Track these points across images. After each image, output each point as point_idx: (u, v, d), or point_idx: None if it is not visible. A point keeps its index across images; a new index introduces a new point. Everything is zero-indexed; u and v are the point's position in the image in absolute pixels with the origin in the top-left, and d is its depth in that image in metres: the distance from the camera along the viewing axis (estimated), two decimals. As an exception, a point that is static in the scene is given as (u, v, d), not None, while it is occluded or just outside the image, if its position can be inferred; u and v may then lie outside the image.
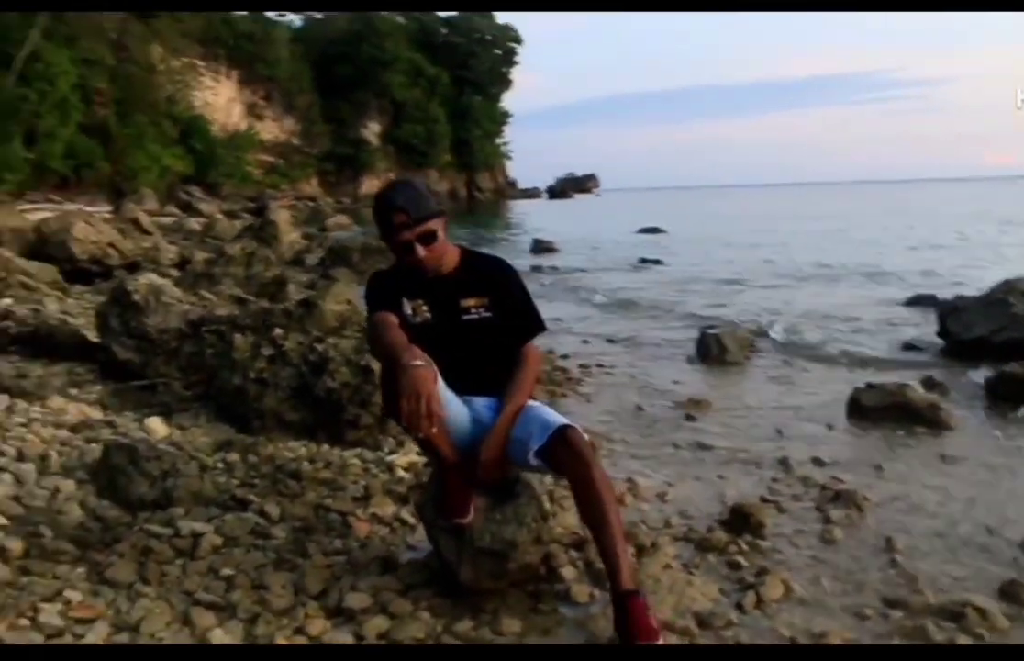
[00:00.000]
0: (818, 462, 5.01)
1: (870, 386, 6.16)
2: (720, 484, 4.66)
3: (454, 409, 3.20)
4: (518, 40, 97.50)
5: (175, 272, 12.46)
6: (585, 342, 9.52)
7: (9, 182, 37.16)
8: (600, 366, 8.04)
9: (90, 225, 12.76)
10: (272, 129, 74.23)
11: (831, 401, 6.49)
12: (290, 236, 16.73)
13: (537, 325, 3.43)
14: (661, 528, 4.00)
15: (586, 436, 3.05)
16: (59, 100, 42.06)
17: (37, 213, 18.83)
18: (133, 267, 12.33)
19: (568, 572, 3.46)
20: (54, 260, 11.86)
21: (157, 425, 5.09)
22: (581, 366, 7.92)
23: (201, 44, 65.00)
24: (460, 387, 3.27)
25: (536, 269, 18.68)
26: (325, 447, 4.93)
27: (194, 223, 28.79)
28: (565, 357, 8.40)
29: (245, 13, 72.42)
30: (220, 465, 4.51)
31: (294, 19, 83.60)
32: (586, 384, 7.24)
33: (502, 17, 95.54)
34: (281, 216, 17.15)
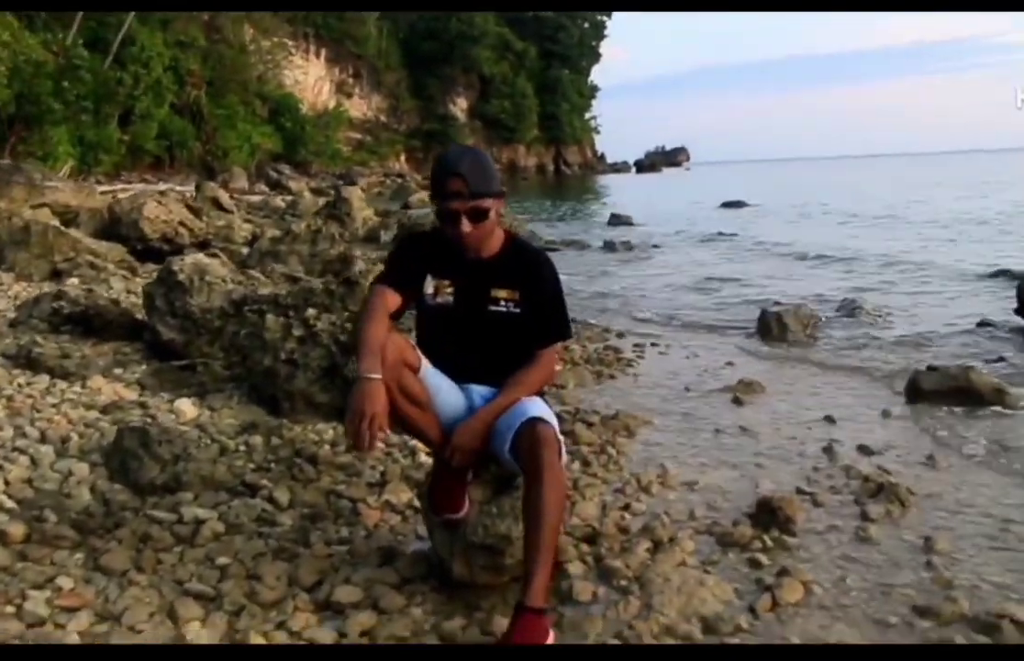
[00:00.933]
0: (865, 450, 4.72)
1: (931, 368, 5.82)
2: (756, 473, 4.40)
3: (447, 394, 3.07)
4: (607, 11, 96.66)
5: (245, 250, 12.55)
6: (644, 320, 9.27)
7: (105, 163, 38.39)
8: (655, 345, 7.81)
9: (161, 204, 12.88)
10: (360, 106, 75.07)
11: (889, 383, 6.18)
12: (364, 213, 16.73)
13: (562, 331, 3.27)
14: (684, 521, 3.79)
15: (560, 438, 2.87)
16: (153, 82, 43.27)
17: (121, 193, 19.33)
18: (204, 245, 12.43)
19: (575, 568, 3.30)
20: (126, 239, 12.03)
21: (187, 406, 5.06)
22: (635, 345, 7.70)
23: (290, 23, 65.94)
24: (465, 374, 3.14)
25: (608, 244, 18.38)
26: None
27: (280, 201, 29.15)
28: (620, 335, 8.19)
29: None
30: (242, 448, 4.46)
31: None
32: (637, 364, 7.02)
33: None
34: (354, 193, 17.15)
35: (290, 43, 65.48)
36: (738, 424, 5.27)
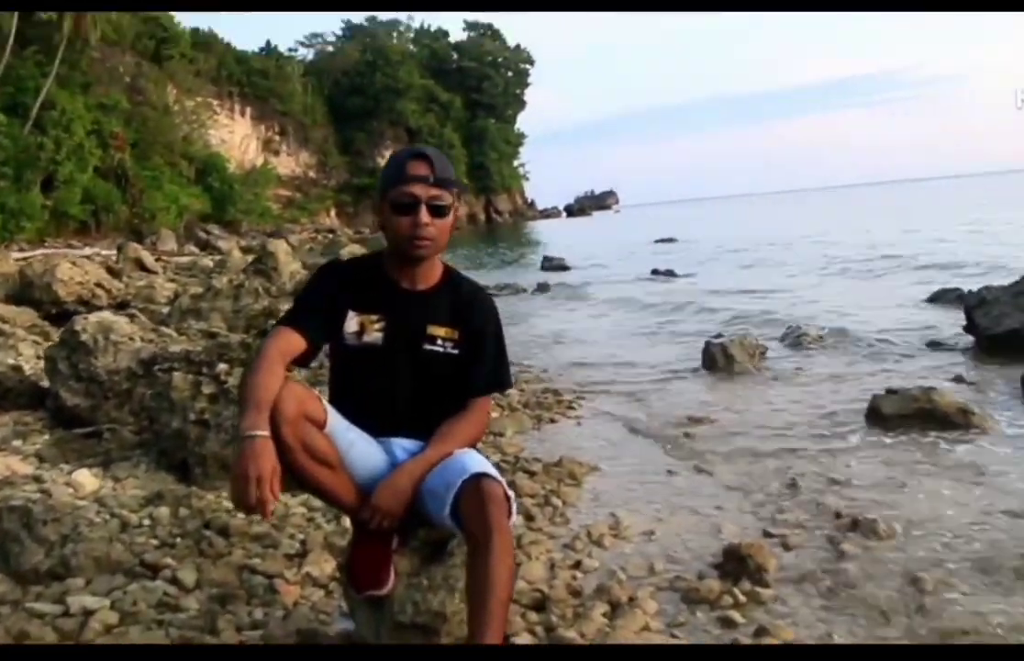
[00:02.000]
0: (832, 482, 4.39)
1: (891, 391, 5.53)
2: (717, 516, 4.03)
3: (363, 450, 2.64)
4: (530, 61, 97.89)
5: (166, 310, 11.99)
6: (582, 361, 8.88)
7: (28, 230, 37.36)
8: (597, 384, 7.43)
9: (75, 265, 12.30)
10: (288, 163, 74.40)
11: (849, 410, 5.86)
12: (291, 266, 16.18)
13: (502, 379, 2.87)
14: (643, 577, 3.39)
15: (510, 495, 2.45)
16: (75, 146, 42.37)
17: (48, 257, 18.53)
18: (123, 307, 11.88)
19: (523, 639, 2.87)
20: (39, 304, 11.42)
21: (86, 478, 4.55)
22: (576, 385, 7.32)
23: (214, 83, 65.37)
24: (387, 425, 2.72)
25: (543, 287, 18.07)
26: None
27: (209, 261, 28.45)
28: (560, 376, 7.81)
29: (257, 51, 73.01)
30: (146, 522, 3.97)
31: (306, 54, 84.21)
32: (579, 407, 6.62)
33: (512, 38, 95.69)
34: (280, 247, 16.59)
35: (214, 103, 64.65)
36: (691, 463, 4.91)
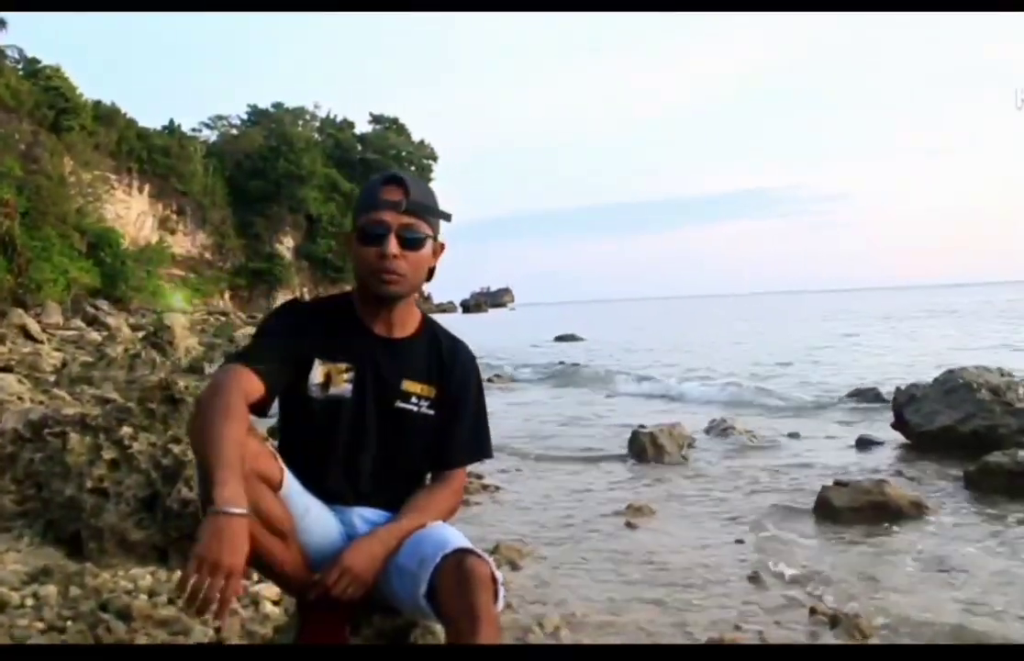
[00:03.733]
0: (797, 579, 4.07)
1: (840, 483, 5.31)
2: (680, 610, 3.65)
3: (317, 518, 2.24)
4: (434, 157, 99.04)
5: (51, 377, 11.25)
6: (500, 449, 8.46)
7: (-96, 295, 35.70)
8: (521, 468, 7.08)
9: (-46, 328, 11.48)
10: (184, 243, 73.05)
11: (794, 502, 5.60)
12: (187, 342, 15.51)
13: (483, 447, 2.56)
14: (612, 674, 3.00)
15: (498, 576, 2.09)
16: (-39, 212, 40.98)
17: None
18: (5, 371, 11.12)
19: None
20: (-89, 367, 10.60)
21: (-43, 552, 3.96)
22: (499, 471, 6.91)
23: (114, 157, 64.25)
24: (347, 493, 2.33)
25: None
26: (177, 574, 3.82)
27: (96, 335, 27.30)
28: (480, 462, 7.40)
29: (160, 128, 72.06)
30: (29, 602, 3.41)
31: (209, 135, 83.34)
32: (505, 490, 6.22)
33: (417, 133, 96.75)
34: (177, 321, 15.93)
35: (112, 177, 63.31)
36: (641, 553, 4.54)
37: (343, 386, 2.33)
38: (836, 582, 3.98)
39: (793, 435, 8.75)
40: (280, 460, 2.20)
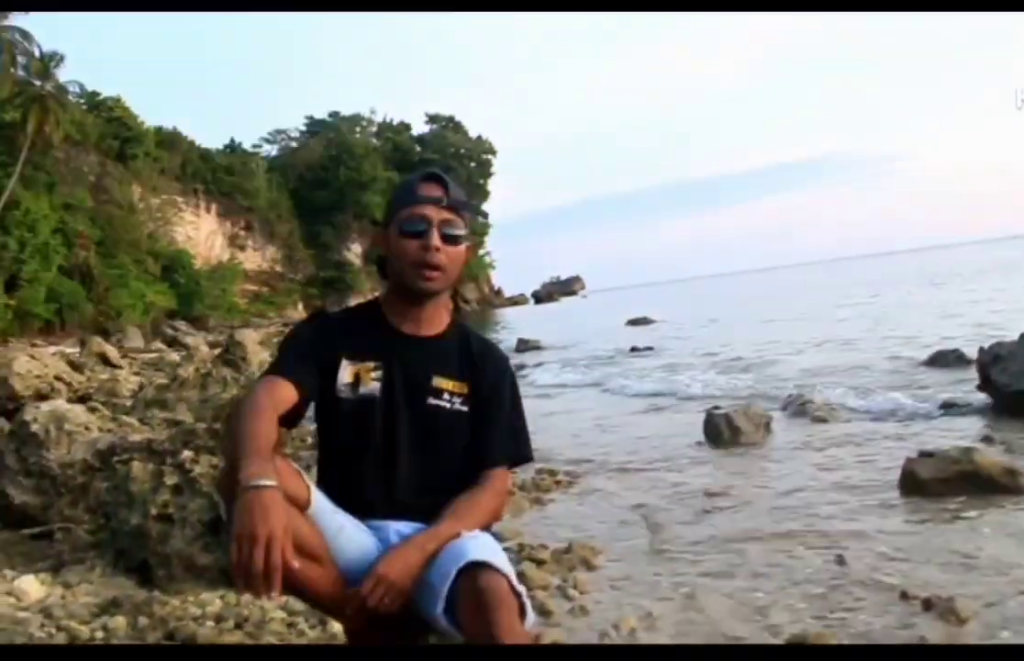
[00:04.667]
0: (883, 557, 3.87)
1: (925, 454, 5.06)
2: (760, 602, 3.48)
3: (351, 535, 2.15)
4: (493, 151, 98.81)
5: (128, 402, 11.41)
6: (574, 440, 8.34)
7: (-10, 329, 36.92)
8: (593, 460, 6.91)
9: (34, 358, 11.71)
10: (255, 258, 74.29)
11: (875, 477, 5.38)
12: (260, 356, 15.62)
13: (522, 447, 2.46)
14: (692, 675, 2.85)
15: (520, 590, 1.97)
16: (40, 245, 42.40)
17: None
18: (84, 400, 11.31)
19: None
20: (-7, 401, 10.82)
21: (31, 586, 3.97)
22: (571, 462, 6.78)
23: (179, 181, 65.60)
24: (385, 501, 2.23)
25: (520, 368, 17.61)
26: (246, 597, 3.78)
27: (175, 356, 27.83)
28: (552, 457, 7.26)
29: (221, 148, 73.33)
30: (99, 635, 3.40)
31: (270, 150, 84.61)
32: (579, 485, 6.08)
33: (474, 129, 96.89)
34: (249, 336, 16.05)
35: (180, 200, 64.68)
36: (719, 540, 4.38)
37: (372, 385, 2.28)
38: (926, 561, 3.77)
39: (871, 404, 8.46)
40: (306, 478, 2.12)
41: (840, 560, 3.83)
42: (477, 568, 1.93)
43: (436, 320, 2.39)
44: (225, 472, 1.98)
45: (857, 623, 3.13)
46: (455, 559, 1.98)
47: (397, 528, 2.23)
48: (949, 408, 7.60)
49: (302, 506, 2.05)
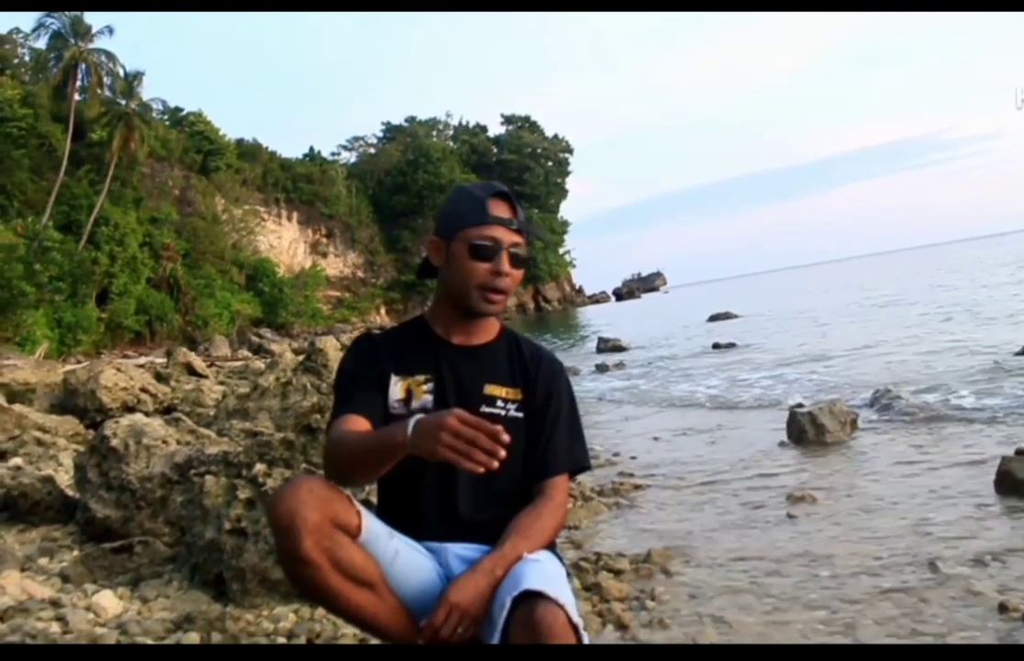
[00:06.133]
0: (977, 563, 3.67)
1: (1022, 452, 4.81)
2: (849, 613, 3.31)
3: (408, 560, 2.10)
4: (570, 150, 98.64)
5: (212, 412, 11.59)
6: (655, 439, 8.19)
7: (85, 342, 38.12)
8: (674, 463, 6.76)
9: (120, 371, 11.96)
10: (336, 264, 75.29)
11: (968, 477, 5.15)
12: (341, 362, 15.80)
13: (580, 457, 2.37)
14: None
15: (577, 622, 1.86)
16: (129, 259, 43.69)
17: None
18: (169, 411, 11.52)
19: None
20: (83, 412, 11.09)
21: (109, 601, 3.99)
22: (651, 465, 6.64)
23: (260, 191, 66.79)
24: (443, 522, 2.16)
25: (601, 368, 17.45)
26: (320, 611, 3.75)
27: (261, 363, 28.29)
28: (633, 458, 7.13)
29: (301, 157, 74.60)
30: (175, 651, 3.39)
31: (348, 157, 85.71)
32: (658, 487, 5.95)
33: (550, 128, 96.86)
34: (329, 343, 16.19)
35: (261, 210, 65.91)
36: (802, 548, 4.21)
37: (424, 398, 2.22)
38: (1025, 568, 3.56)
39: (962, 398, 8.13)
40: (356, 503, 2.05)
41: (933, 567, 3.65)
42: (533, 598, 1.84)
43: (486, 328, 2.33)
44: (377, 459, 2.01)
45: (954, 640, 2.95)
46: (511, 587, 1.91)
47: (457, 552, 2.16)
48: (1048, 403, 7.26)
49: (353, 533, 1.99)
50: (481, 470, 1.79)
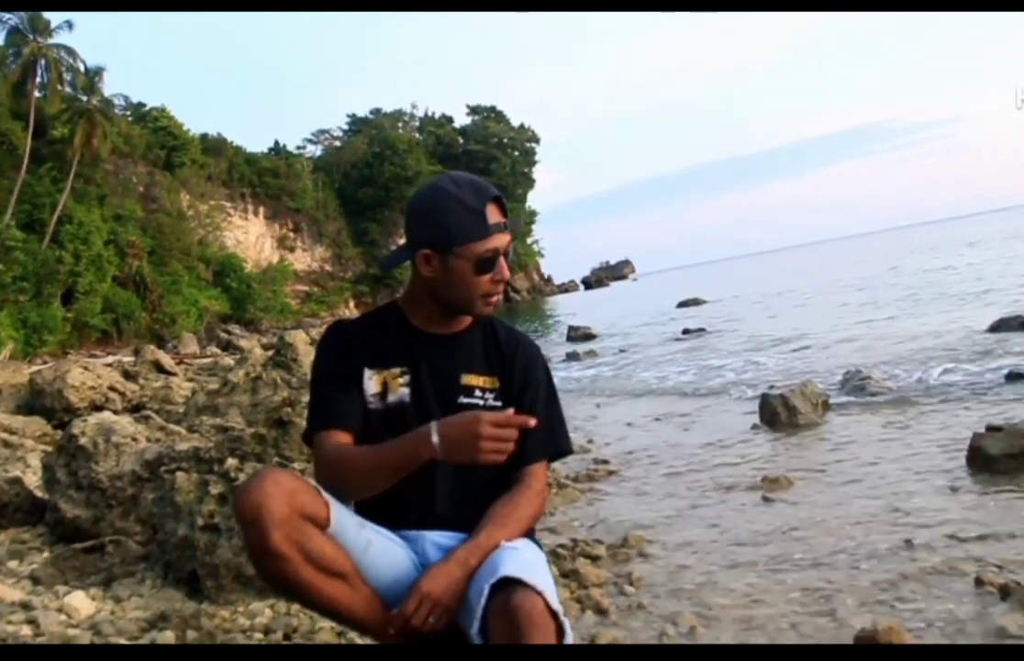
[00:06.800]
0: (952, 538, 3.70)
1: (993, 429, 4.85)
2: (826, 590, 3.34)
3: (381, 550, 2.07)
4: (536, 139, 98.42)
5: (181, 409, 11.48)
6: (628, 425, 8.21)
7: (51, 343, 37.61)
8: (647, 448, 6.78)
9: (87, 370, 11.80)
10: (304, 259, 74.82)
11: (940, 455, 5.20)
12: (311, 357, 15.66)
13: (561, 441, 2.30)
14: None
15: (558, 609, 1.82)
16: (94, 257, 43.12)
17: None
18: (138, 409, 11.38)
19: None
20: (51, 412, 10.94)
21: (81, 602, 3.93)
22: (625, 452, 6.65)
23: (226, 186, 66.17)
24: (421, 513, 2.13)
25: (572, 356, 17.47)
26: (296, 606, 3.70)
27: (230, 360, 28.09)
28: (606, 445, 7.13)
29: (266, 151, 74.00)
30: (149, 651, 3.34)
31: (314, 150, 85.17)
32: (632, 472, 5.95)
33: (516, 118, 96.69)
34: (299, 338, 16.07)
35: (228, 205, 65.30)
36: (777, 529, 4.22)
37: (401, 391, 2.16)
38: (999, 544, 3.59)
39: (932, 377, 8.21)
40: (324, 494, 2.01)
41: (909, 544, 3.67)
42: (511, 585, 1.80)
43: (460, 317, 2.26)
44: (396, 466, 2.05)
45: (932, 614, 2.96)
46: (489, 574, 1.86)
47: (433, 539, 2.12)
48: (1016, 378, 7.33)
49: (322, 524, 1.95)
50: (504, 458, 1.91)
